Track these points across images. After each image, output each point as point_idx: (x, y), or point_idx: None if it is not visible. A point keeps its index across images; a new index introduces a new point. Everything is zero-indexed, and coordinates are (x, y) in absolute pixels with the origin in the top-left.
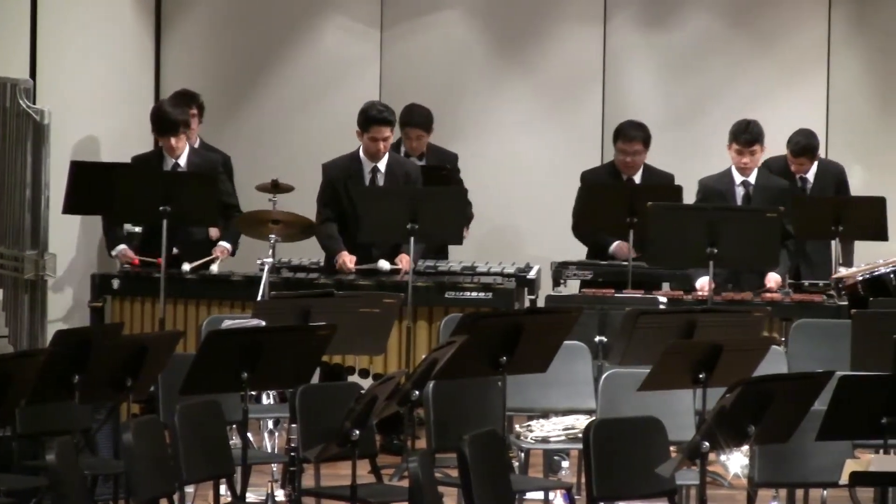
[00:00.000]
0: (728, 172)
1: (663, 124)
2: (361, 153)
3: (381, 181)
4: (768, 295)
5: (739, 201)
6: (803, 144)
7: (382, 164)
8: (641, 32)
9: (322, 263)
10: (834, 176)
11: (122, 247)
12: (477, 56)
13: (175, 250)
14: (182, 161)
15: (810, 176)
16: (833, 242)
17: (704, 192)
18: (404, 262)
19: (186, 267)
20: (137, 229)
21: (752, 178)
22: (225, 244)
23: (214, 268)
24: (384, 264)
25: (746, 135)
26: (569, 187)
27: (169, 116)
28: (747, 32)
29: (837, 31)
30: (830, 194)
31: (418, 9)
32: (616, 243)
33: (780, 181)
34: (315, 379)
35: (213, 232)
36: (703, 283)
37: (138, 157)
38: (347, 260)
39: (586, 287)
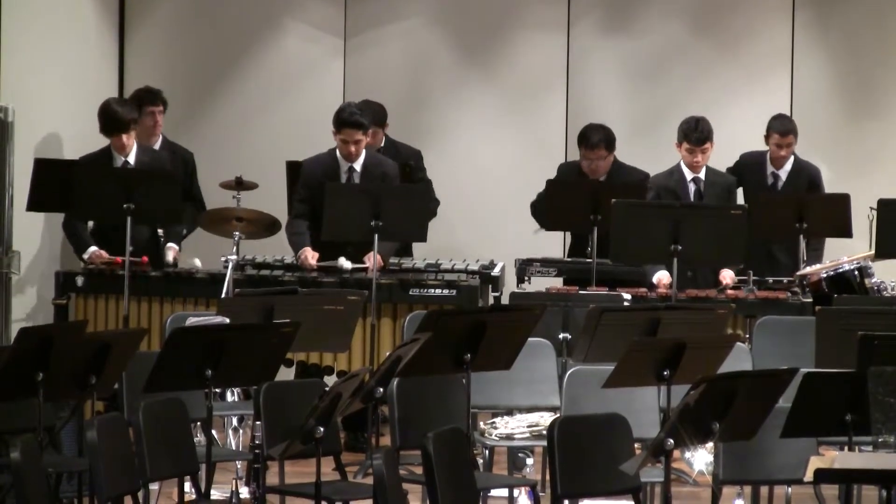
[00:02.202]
0: (678, 169)
1: (626, 129)
2: (338, 153)
3: (357, 181)
4: (732, 292)
5: (692, 198)
6: (788, 123)
7: (359, 164)
8: (605, 38)
9: (286, 260)
10: (809, 176)
11: (94, 248)
12: (441, 62)
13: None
14: (131, 159)
15: (783, 174)
16: (800, 239)
17: (657, 189)
18: (371, 260)
19: (170, 257)
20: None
21: (702, 175)
22: (173, 245)
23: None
24: (345, 263)
25: (697, 133)
26: (533, 192)
27: (117, 115)
28: (711, 37)
29: (800, 35)
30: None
31: (382, 17)
32: (657, 274)
33: (728, 177)
34: (292, 377)
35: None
36: (661, 277)
37: (87, 156)
38: (309, 256)
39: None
